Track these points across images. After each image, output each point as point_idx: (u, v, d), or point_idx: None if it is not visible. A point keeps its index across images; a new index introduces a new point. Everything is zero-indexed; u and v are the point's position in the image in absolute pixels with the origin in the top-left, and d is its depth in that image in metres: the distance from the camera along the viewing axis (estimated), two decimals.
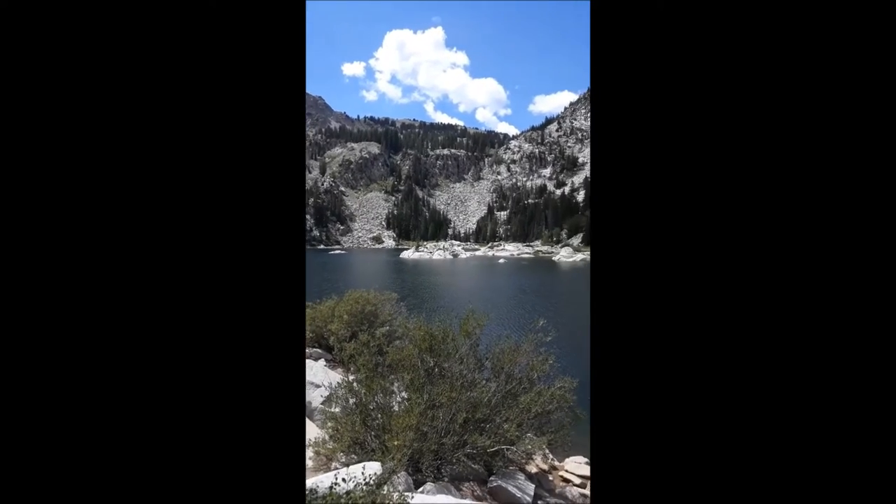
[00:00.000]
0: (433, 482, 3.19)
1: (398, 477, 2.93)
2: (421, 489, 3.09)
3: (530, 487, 3.62)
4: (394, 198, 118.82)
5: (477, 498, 3.49)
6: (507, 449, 3.55)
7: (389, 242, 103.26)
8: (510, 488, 3.50)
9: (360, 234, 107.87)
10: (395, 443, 3.11)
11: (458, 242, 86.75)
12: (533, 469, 4.49)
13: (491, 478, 3.62)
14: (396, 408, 3.56)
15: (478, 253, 68.58)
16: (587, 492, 4.32)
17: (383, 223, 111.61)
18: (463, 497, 3.34)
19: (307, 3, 1.52)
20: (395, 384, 3.76)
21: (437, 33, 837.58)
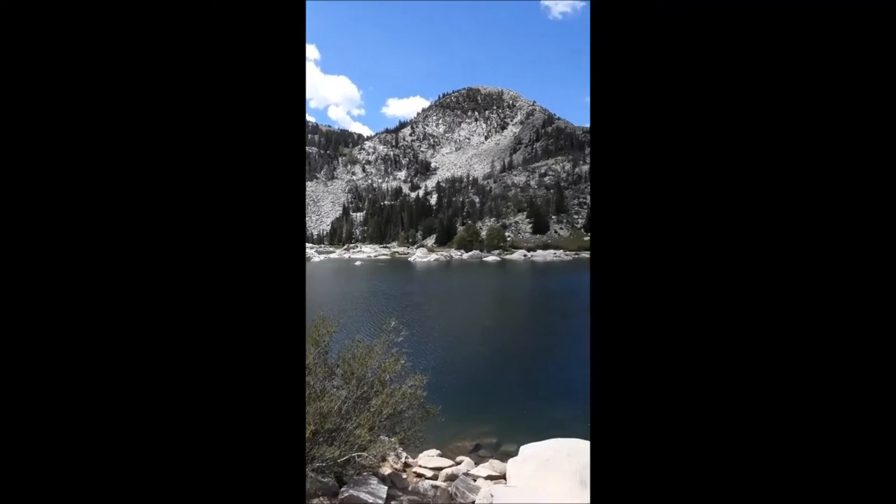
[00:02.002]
0: None
1: None
2: None
3: (383, 490, 3.62)
4: None
5: None
6: (358, 456, 3.49)
7: None
8: (362, 495, 3.45)
9: None
10: None
11: (311, 245, 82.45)
12: (387, 470, 4.51)
13: (342, 488, 3.52)
14: None
15: (333, 255, 66.23)
16: (439, 482, 4.52)
17: None
18: None
19: (307, 3, 1.51)
20: None
21: None
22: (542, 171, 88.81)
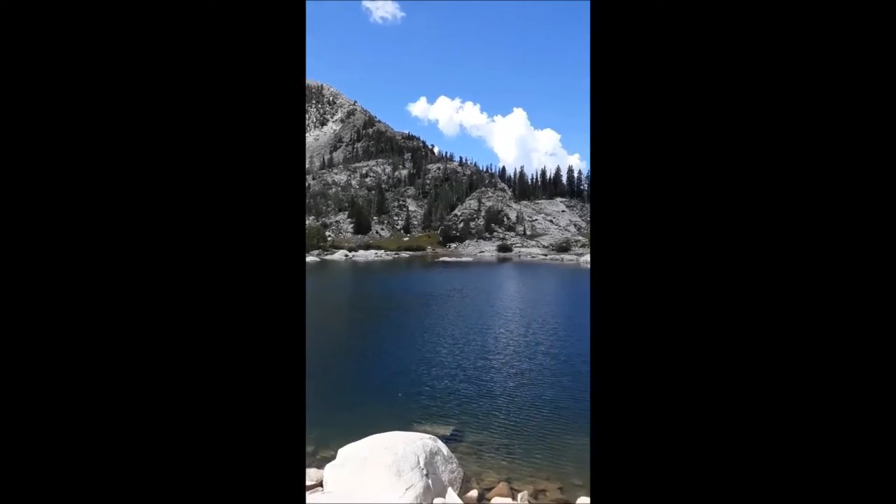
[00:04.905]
0: None
1: None
2: None
3: None
4: None
5: None
6: None
7: None
8: None
9: None
10: None
11: None
12: None
13: None
14: None
15: None
16: None
17: None
18: None
19: (307, 3, 1.52)
20: None
21: None
22: (364, 171, 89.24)
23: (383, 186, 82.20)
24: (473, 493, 4.90)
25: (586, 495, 4.75)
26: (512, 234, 64.23)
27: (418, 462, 4.54)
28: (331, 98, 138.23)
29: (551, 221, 66.70)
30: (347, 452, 4.65)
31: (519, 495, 4.89)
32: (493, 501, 4.79)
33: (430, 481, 4.49)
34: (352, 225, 71.05)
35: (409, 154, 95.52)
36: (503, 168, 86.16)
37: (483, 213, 66.71)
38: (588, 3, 1.43)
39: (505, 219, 66.66)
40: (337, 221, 71.93)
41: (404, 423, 6.15)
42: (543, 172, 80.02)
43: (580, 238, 59.78)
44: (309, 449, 5.81)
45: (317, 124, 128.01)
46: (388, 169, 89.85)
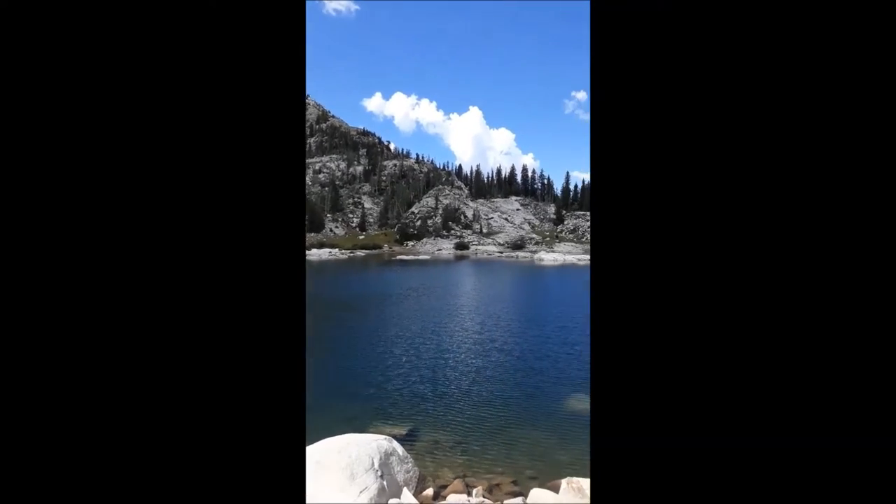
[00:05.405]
0: None
1: None
2: None
3: None
4: None
5: None
6: None
7: None
8: None
9: None
10: None
11: None
12: None
13: None
14: None
15: None
16: None
17: None
18: None
19: (307, 3, 1.53)
20: None
21: None
22: (317, 167, 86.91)
23: (337, 183, 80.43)
24: (429, 492, 4.94)
25: (539, 486, 4.92)
26: (469, 231, 64.92)
27: (372, 464, 4.52)
28: None
29: (506, 220, 68.04)
30: None
31: (474, 491, 4.98)
32: (448, 499, 4.85)
33: (384, 482, 4.48)
34: (305, 222, 68.98)
35: (365, 150, 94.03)
36: (460, 166, 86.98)
37: (440, 211, 66.96)
38: (588, 3, 1.44)
39: (462, 217, 67.25)
40: None
41: (359, 426, 6.09)
42: (499, 171, 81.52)
43: (534, 236, 61.41)
44: None
45: None
46: (343, 165, 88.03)
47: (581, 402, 7.61)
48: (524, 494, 4.90)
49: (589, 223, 60.96)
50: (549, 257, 48.16)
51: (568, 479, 4.71)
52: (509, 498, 4.84)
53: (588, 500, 4.35)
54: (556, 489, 4.75)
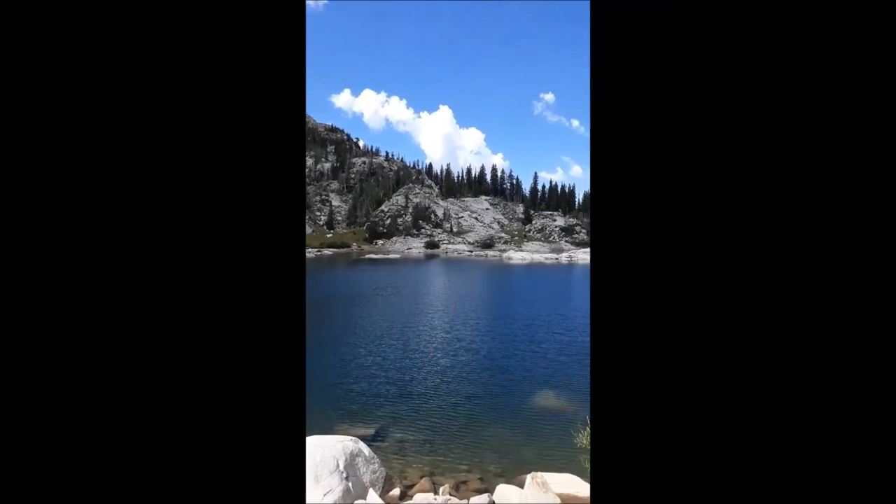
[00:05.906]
0: None
1: None
2: None
3: None
4: None
5: None
6: None
7: None
8: None
9: None
10: None
11: None
12: None
13: None
14: None
15: None
16: None
17: None
18: None
19: (307, 3, 1.55)
20: None
21: None
22: None
23: (305, 180, 78.68)
24: (396, 492, 4.94)
25: (505, 482, 5.01)
26: (439, 230, 64.98)
27: (337, 465, 4.47)
28: None
29: (476, 219, 68.53)
30: None
31: (441, 489, 5.02)
32: (415, 498, 4.86)
33: (350, 484, 4.44)
34: None
35: (333, 147, 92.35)
36: (430, 165, 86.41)
37: (411, 210, 66.70)
38: (588, 3, 1.44)
39: (432, 215, 67.25)
40: None
41: (325, 428, 6.01)
42: (469, 170, 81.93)
43: (503, 235, 62.14)
44: None
45: None
46: (310, 162, 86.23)
47: (546, 400, 7.79)
48: (490, 491, 4.97)
49: (555, 223, 62.34)
50: (517, 256, 48.89)
51: (532, 473, 4.82)
52: (476, 495, 4.90)
53: (552, 493, 4.47)
54: (521, 484, 4.85)
